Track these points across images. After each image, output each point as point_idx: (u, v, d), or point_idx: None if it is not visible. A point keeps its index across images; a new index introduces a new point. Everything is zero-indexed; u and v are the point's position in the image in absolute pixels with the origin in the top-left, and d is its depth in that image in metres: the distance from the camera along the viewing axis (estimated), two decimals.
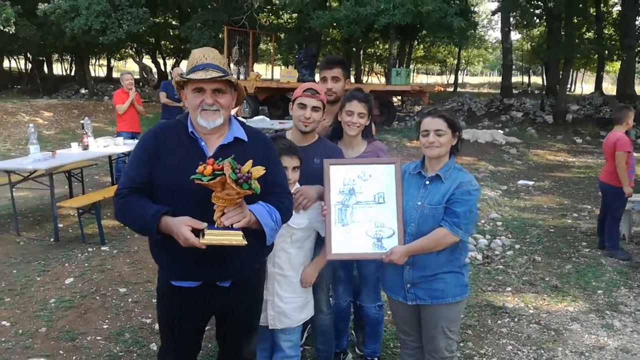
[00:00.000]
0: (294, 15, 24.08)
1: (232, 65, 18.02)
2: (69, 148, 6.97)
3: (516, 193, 8.74)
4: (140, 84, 28.63)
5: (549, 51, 20.14)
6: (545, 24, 23.69)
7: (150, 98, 22.66)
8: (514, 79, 28.47)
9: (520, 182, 9.62)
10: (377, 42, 30.94)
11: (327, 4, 20.79)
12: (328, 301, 3.08)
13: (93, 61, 37.47)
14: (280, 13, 24.17)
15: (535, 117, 18.02)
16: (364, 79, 36.69)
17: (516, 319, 4.17)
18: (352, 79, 27.79)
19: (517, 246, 5.89)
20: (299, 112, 2.82)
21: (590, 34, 23.89)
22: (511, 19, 23.43)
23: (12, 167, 5.86)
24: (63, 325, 3.84)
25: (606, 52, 20.09)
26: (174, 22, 28.58)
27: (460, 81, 42.42)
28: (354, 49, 28.23)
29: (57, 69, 36.21)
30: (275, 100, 16.98)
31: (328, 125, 3.24)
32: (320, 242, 2.83)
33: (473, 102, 20.99)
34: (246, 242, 2.05)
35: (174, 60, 31.73)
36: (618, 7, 24.38)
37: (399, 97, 19.84)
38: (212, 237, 2.03)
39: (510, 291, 4.71)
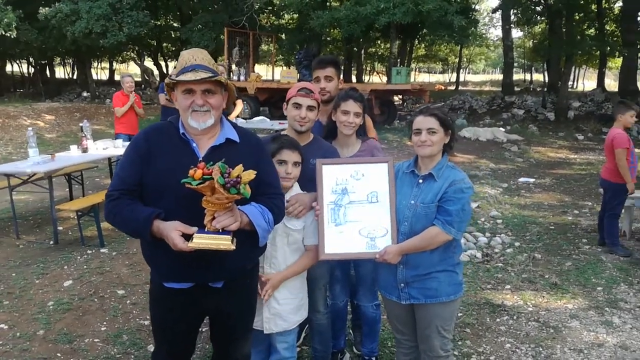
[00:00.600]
0: (295, 15, 24.11)
1: (233, 66, 18.04)
2: (68, 151, 6.98)
3: (517, 190, 8.72)
4: (142, 86, 28.71)
5: (550, 48, 20.08)
6: (546, 21, 23.61)
7: (152, 100, 22.70)
8: (515, 77, 28.42)
9: (521, 179, 9.59)
10: (378, 42, 30.96)
11: (327, 3, 20.78)
12: (325, 301, 3.07)
13: (95, 64, 37.62)
14: (281, 14, 24.18)
15: (536, 114, 17.98)
16: (366, 78, 36.67)
17: (515, 317, 4.16)
18: (354, 79, 27.82)
19: (517, 244, 5.87)
20: (294, 112, 2.82)
21: (591, 30, 23.81)
22: (512, 16, 23.38)
23: (12, 170, 5.87)
24: (61, 328, 3.85)
25: (608, 48, 20.03)
26: (175, 24, 28.66)
27: (462, 79, 42.37)
28: (355, 49, 28.23)
29: (59, 72, 36.39)
30: (275, 101, 16.97)
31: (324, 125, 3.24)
32: None
33: (474, 100, 20.95)
34: (234, 247, 2.04)
35: (176, 62, 31.79)
36: (619, 3, 24.28)
37: (400, 96, 19.82)
38: (200, 241, 2.03)
39: (510, 289, 4.69)
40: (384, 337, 3.72)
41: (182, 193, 2.06)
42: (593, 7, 22.02)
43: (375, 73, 41.95)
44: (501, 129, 14.85)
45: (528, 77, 41.41)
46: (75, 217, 5.98)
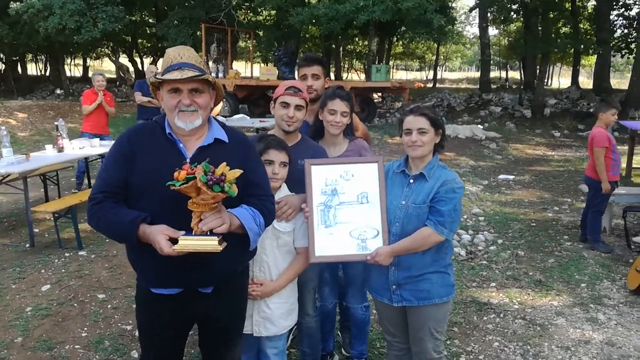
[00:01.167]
0: (272, 12, 23.93)
1: (210, 63, 17.82)
2: (43, 150, 6.79)
3: (497, 187, 8.79)
4: (117, 83, 28.22)
5: (526, 47, 20.32)
6: (521, 19, 23.92)
7: (128, 97, 22.33)
8: (491, 74, 28.71)
9: (501, 176, 9.68)
10: (357, 39, 30.94)
11: (306, 0, 20.67)
12: (314, 304, 3.02)
13: (68, 61, 36.80)
14: (259, 10, 23.95)
15: (513, 111, 18.19)
16: (344, 75, 36.68)
17: (501, 315, 4.17)
18: (333, 76, 27.77)
19: (499, 241, 5.91)
20: (281, 111, 2.75)
21: (566, 28, 24.19)
22: (489, 14, 23.61)
23: None
24: (40, 335, 3.72)
25: (582, 46, 20.36)
26: (150, 20, 28.19)
27: (439, 77, 42.65)
28: (334, 46, 28.16)
29: (32, 69, 35.51)
30: (255, 99, 16.85)
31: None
32: None
33: (452, 98, 21.12)
34: (221, 248, 1.98)
35: (151, 58, 31.32)
36: (593, 2, 24.75)
37: (379, 94, 19.85)
38: (186, 244, 1.96)
39: (495, 286, 4.71)
40: (372, 338, 3.69)
41: (168, 196, 1.99)
42: (567, 5, 22.36)
43: (353, 70, 42.00)
44: (479, 126, 14.98)
45: (504, 74, 41.96)
46: (52, 218, 5.81)
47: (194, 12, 20.57)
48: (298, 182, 2.69)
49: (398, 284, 2.60)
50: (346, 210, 2.64)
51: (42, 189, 7.34)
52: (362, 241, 2.61)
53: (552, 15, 20.40)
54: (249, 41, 24.31)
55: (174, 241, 1.99)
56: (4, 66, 28.83)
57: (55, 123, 6.95)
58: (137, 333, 3.69)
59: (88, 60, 37.46)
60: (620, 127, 12.49)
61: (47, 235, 6.02)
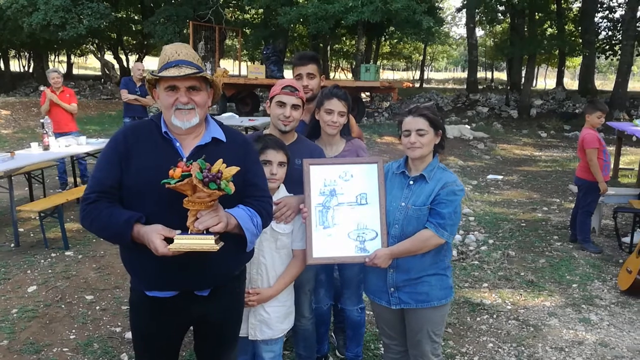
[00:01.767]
0: (260, 10, 23.79)
1: None
2: (28, 148, 6.65)
3: (486, 188, 8.82)
4: (102, 80, 27.89)
5: (513, 47, 20.49)
6: (508, 20, 24.10)
7: (113, 95, 22.08)
8: (477, 75, 28.92)
9: (490, 176, 9.72)
10: (344, 39, 30.95)
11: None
12: (310, 306, 2.97)
13: (52, 57, 36.33)
14: (247, 8, 23.80)
15: (500, 112, 18.33)
16: (332, 75, 36.68)
17: (495, 316, 4.16)
18: None
19: (490, 241, 5.91)
20: (277, 111, 2.70)
21: (552, 30, 24.45)
22: (476, 15, 23.75)
23: None
24: (27, 337, 3.63)
25: (567, 47, 20.58)
26: (136, 17, 27.92)
27: (425, 77, 42.84)
28: (321, 45, 28.13)
29: (14, 65, 34.94)
30: (243, 97, 16.72)
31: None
32: None
33: (440, 98, 21.22)
34: (218, 247, 1.92)
35: (137, 56, 31.01)
36: (578, 4, 25.02)
37: (367, 93, 19.84)
38: (182, 242, 1.90)
39: (487, 287, 4.70)
40: (367, 340, 3.65)
41: (164, 195, 1.94)
42: (553, 7, 22.59)
43: (340, 70, 42.01)
44: (467, 126, 15.05)
45: (489, 75, 42.28)
46: (37, 218, 5.69)
47: (181, 10, 20.37)
48: (295, 182, 2.64)
49: (396, 287, 2.57)
50: (345, 211, 2.60)
51: (26, 187, 7.19)
52: (360, 243, 2.57)
53: (538, 17, 20.60)
54: (236, 39, 24.17)
55: (169, 241, 1.93)
56: None
57: (41, 120, 6.82)
58: (126, 335, 3.66)
59: (72, 57, 36.97)
60: (606, 128, 12.62)
61: (32, 235, 5.89)
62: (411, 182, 2.55)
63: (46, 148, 6.53)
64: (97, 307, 4.14)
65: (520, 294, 4.56)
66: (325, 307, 3.19)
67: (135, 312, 2.29)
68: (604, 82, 37.58)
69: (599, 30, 23.16)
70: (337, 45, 33.78)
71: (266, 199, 2.25)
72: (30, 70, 31.10)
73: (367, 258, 2.52)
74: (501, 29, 32.10)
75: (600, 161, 5.43)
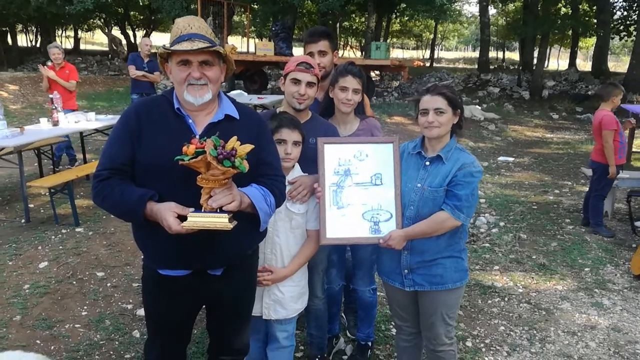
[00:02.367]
0: None
1: None
2: (37, 124, 6.62)
3: (497, 169, 8.73)
4: (109, 55, 27.75)
5: (526, 27, 20.13)
6: None
7: (121, 71, 21.98)
8: (489, 54, 28.52)
9: (501, 158, 9.62)
10: (354, 15, 30.54)
11: None
12: (323, 286, 2.95)
13: (60, 32, 36.13)
14: None
15: (512, 92, 18.09)
16: (340, 52, 36.29)
17: (506, 299, 4.13)
18: None
19: (501, 224, 5.86)
20: (292, 88, 2.63)
21: (566, 9, 23.97)
22: None
23: None
24: (39, 313, 3.64)
25: (582, 27, 20.20)
26: None
27: (435, 56, 42.34)
28: (330, 22, 27.78)
29: (22, 40, 34.82)
30: (251, 74, 16.57)
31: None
32: None
33: (450, 78, 20.96)
34: (232, 226, 1.89)
35: (144, 31, 30.80)
36: None
37: (377, 72, 19.62)
38: (195, 220, 1.88)
39: (498, 270, 4.67)
40: (378, 321, 3.63)
41: (178, 172, 1.91)
42: None
43: (349, 48, 41.56)
44: (478, 107, 14.86)
45: (500, 55, 41.73)
46: (47, 194, 5.69)
47: None
48: (309, 160, 2.59)
49: (410, 269, 2.53)
50: (359, 191, 2.55)
51: (35, 163, 7.19)
52: (374, 224, 2.53)
53: None
54: (244, 15, 23.89)
55: (182, 219, 1.90)
56: None
57: (50, 96, 6.77)
58: (138, 312, 3.66)
59: (80, 32, 36.77)
60: (619, 110, 12.42)
61: (42, 211, 5.90)
62: (427, 163, 2.49)
63: (55, 124, 6.50)
64: (109, 284, 4.15)
65: (532, 277, 4.52)
66: (337, 288, 3.17)
67: (148, 291, 2.27)
68: (617, 64, 36.97)
69: (614, 10, 22.70)
70: (346, 23, 33.35)
71: (280, 179, 2.21)
72: (38, 45, 30.99)
73: (382, 239, 2.48)
74: (514, 7, 31.51)
75: (616, 143, 5.33)
